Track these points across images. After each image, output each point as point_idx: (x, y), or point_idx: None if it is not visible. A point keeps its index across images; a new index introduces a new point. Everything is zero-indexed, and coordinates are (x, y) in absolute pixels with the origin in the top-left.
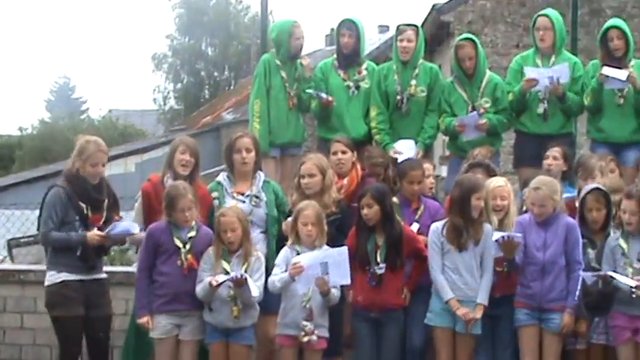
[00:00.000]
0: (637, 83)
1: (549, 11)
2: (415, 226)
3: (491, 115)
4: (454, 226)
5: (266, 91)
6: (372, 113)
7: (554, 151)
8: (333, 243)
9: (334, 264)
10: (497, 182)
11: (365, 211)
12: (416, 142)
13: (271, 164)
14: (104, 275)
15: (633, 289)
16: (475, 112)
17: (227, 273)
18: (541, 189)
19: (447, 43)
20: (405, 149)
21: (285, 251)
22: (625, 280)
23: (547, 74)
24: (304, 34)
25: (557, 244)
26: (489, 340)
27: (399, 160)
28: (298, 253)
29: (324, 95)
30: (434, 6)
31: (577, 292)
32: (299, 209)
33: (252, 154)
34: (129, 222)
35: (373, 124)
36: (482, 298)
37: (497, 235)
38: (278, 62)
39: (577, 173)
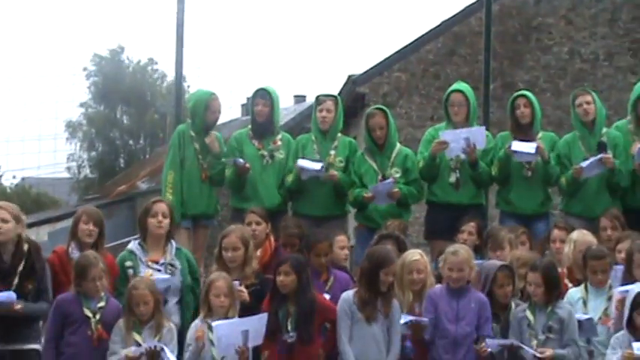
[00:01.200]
0: (545, 155)
1: (462, 86)
2: (325, 297)
3: (402, 185)
4: (363, 298)
5: (180, 162)
6: (289, 179)
7: (470, 227)
8: (253, 313)
9: (254, 331)
10: (413, 256)
11: (281, 277)
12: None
13: (183, 235)
14: (32, 346)
15: None
16: (391, 180)
17: (139, 345)
18: (459, 252)
19: (362, 115)
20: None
21: (194, 326)
22: (530, 351)
23: (463, 135)
24: (221, 108)
25: (470, 317)
26: None
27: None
28: (210, 327)
29: (240, 161)
30: (349, 77)
31: None
32: (210, 281)
33: (168, 220)
34: (7, 292)
35: (287, 185)
36: None
37: (404, 318)
38: (192, 133)
39: (487, 245)
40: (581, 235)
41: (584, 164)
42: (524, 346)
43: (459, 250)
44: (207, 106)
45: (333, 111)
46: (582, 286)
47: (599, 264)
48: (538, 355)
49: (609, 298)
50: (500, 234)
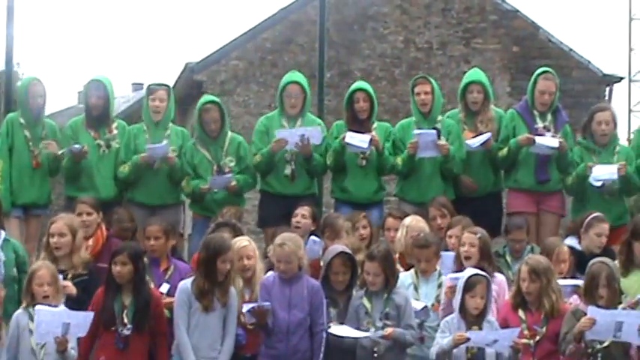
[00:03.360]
0: (379, 146)
1: (298, 77)
2: (165, 287)
3: (238, 176)
4: (200, 287)
5: (8, 151)
6: (122, 169)
7: (303, 210)
8: (80, 304)
9: (76, 326)
10: (241, 242)
11: (118, 268)
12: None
13: (14, 224)
14: None
15: (375, 350)
16: (229, 175)
17: None
18: (286, 244)
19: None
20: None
21: (16, 316)
22: (370, 334)
23: (298, 133)
24: (44, 92)
25: (302, 305)
26: None
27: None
28: (31, 317)
29: (77, 147)
30: (187, 65)
31: (320, 354)
32: (33, 270)
33: None
34: None
35: (123, 177)
36: None
37: (246, 306)
38: (22, 121)
39: (324, 233)
40: (414, 222)
41: (417, 132)
42: (363, 334)
43: (286, 242)
44: (27, 91)
45: (165, 100)
46: (413, 271)
47: (423, 253)
48: (382, 333)
49: (440, 285)
50: (338, 222)
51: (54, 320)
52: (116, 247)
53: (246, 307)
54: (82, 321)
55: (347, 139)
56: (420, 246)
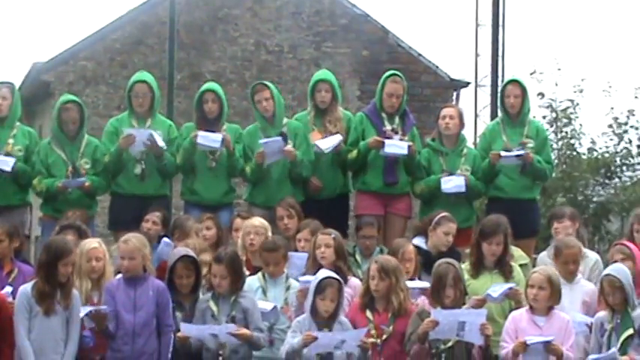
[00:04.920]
0: (230, 146)
1: (146, 76)
2: (7, 290)
3: (93, 177)
4: (41, 291)
5: None
6: None
7: (154, 216)
8: None
9: None
10: (91, 244)
11: None
12: None
13: None
14: None
15: (220, 352)
16: (83, 179)
17: None
18: (130, 241)
19: (47, 103)
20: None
21: None
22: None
23: (146, 133)
24: None
25: (148, 306)
26: None
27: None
28: None
29: None
30: (34, 65)
31: (169, 355)
32: None
33: None
34: None
35: None
36: None
37: (84, 310)
38: None
39: (173, 235)
40: (250, 222)
41: (263, 141)
42: (216, 327)
43: (131, 239)
44: None
45: (8, 98)
46: (260, 274)
47: (271, 256)
48: (236, 330)
49: (288, 288)
50: (187, 224)
51: None
52: None
53: (83, 311)
54: None
55: (198, 139)
56: (268, 249)
